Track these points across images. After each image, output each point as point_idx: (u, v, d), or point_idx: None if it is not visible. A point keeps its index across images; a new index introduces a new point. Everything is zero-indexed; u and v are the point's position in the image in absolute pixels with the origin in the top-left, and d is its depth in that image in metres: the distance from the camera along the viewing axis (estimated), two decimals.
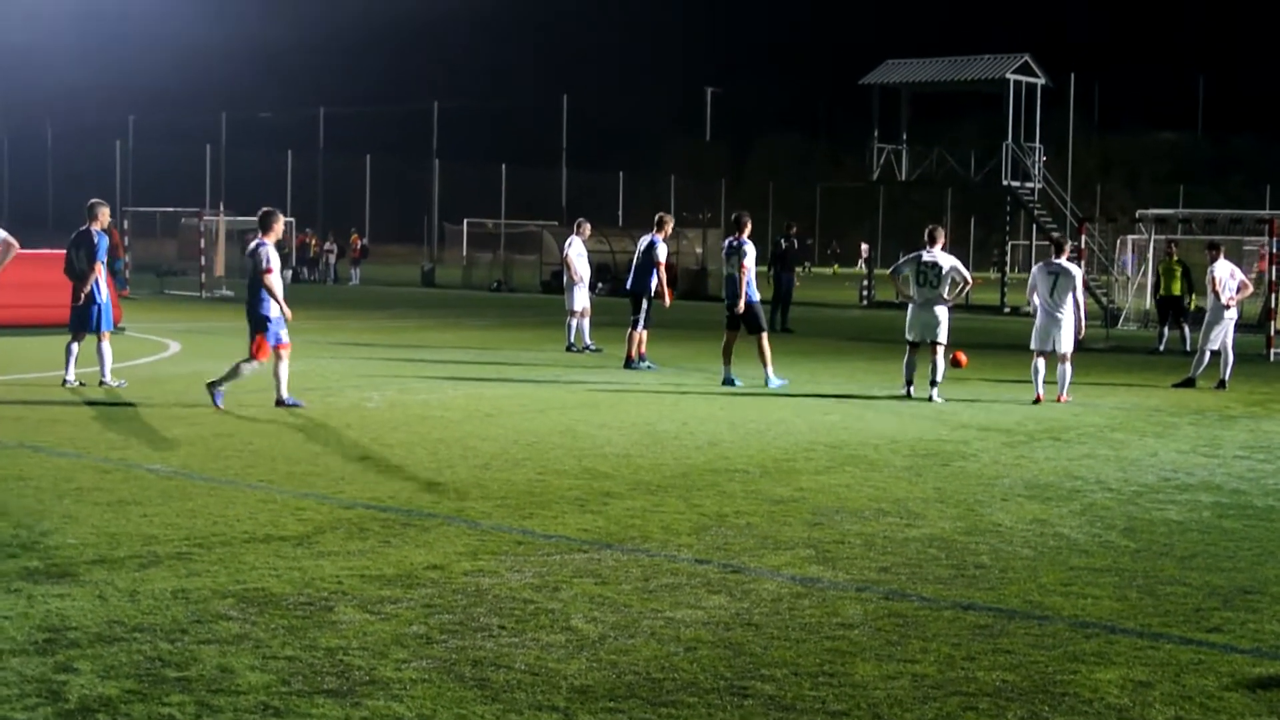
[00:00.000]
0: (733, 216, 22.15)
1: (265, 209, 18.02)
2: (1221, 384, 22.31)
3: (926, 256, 20.08)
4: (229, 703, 6.70)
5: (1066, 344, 19.98)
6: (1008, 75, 48.91)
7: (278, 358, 17.52)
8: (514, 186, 71.68)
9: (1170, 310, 31.49)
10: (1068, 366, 20.10)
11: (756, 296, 21.50)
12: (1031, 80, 49.70)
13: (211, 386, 17.38)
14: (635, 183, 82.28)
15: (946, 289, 20.03)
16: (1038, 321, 20.16)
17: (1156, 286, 32.37)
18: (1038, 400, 19.88)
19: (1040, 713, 6.84)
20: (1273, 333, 29.40)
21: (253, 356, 17.37)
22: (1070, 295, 19.98)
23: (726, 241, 21.93)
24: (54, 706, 6.59)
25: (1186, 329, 30.68)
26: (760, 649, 7.74)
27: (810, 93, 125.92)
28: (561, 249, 28.78)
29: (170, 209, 59.79)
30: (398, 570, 9.27)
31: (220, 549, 9.76)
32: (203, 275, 47.27)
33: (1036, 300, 20.33)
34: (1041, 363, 20.02)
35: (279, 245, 18.44)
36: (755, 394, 20.14)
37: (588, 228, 28.26)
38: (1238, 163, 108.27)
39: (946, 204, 56.17)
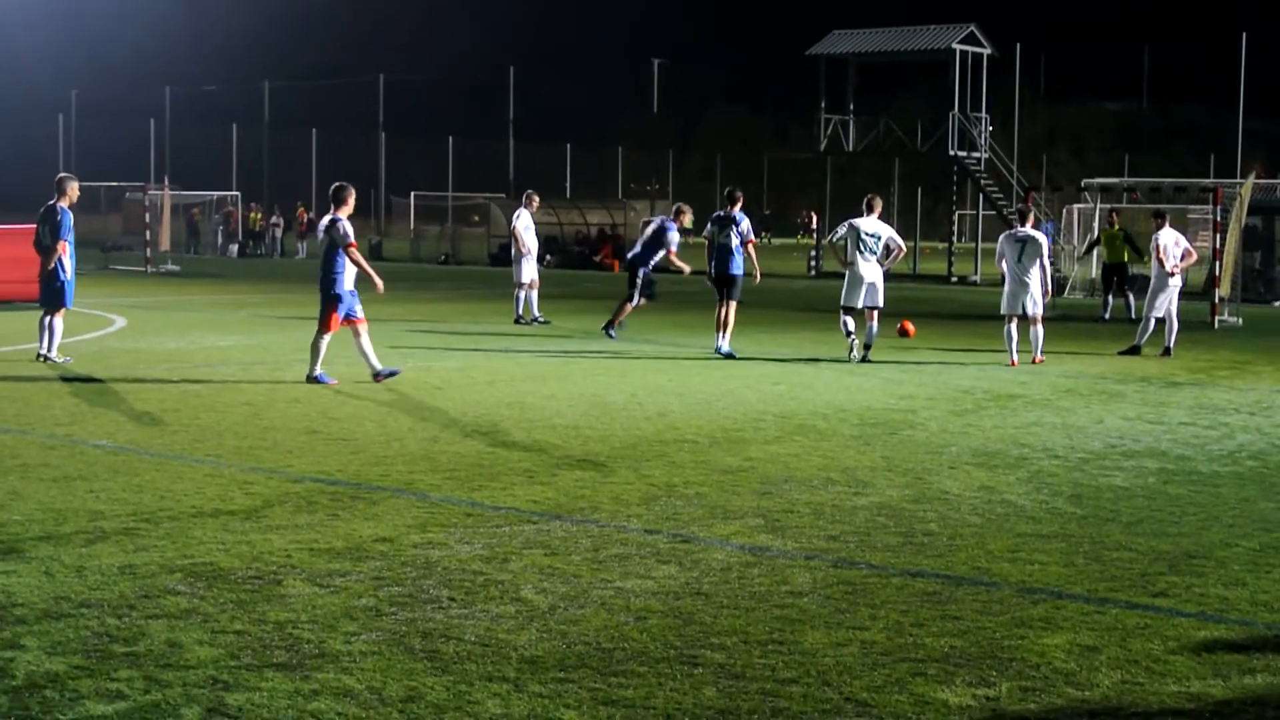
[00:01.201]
0: (725, 191, 22.78)
1: (338, 184, 17.72)
2: (1167, 351, 22.47)
3: (865, 225, 20.77)
4: (178, 677, 6.67)
5: (1037, 307, 20.80)
6: (954, 45, 48.99)
7: (356, 334, 17.40)
8: (461, 159, 71.51)
9: (1115, 277, 31.66)
10: (1039, 328, 20.97)
11: (741, 270, 21.86)
12: (977, 50, 49.80)
13: (311, 379, 17.32)
14: (583, 155, 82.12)
15: (883, 256, 20.86)
16: (1007, 288, 20.94)
17: (1095, 250, 32.55)
18: (1012, 364, 20.58)
19: (988, 678, 6.88)
20: (1217, 300, 29.63)
21: (325, 330, 17.32)
22: (1038, 261, 20.79)
23: (717, 214, 22.27)
24: (1, 684, 6.55)
25: (1130, 296, 30.85)
26: (710, 618, 7.76)
27: (757, 64, 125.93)
28: (509, 221, 28.71)
29: (114, 184, 59.31)
30: (346, 543, 9.25)
31: (168, 524, 9.71)
32: (147, 250, 46.89)
33: (1005, 267, 21.00)
34: (1014, 328, 20.77)
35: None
36: (703, 359, 20.16)
37: (536, 200, 28.25)
38: (1182, 132, 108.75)
39: (894, 174, 56.26)
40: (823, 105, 52.17)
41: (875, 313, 20.85)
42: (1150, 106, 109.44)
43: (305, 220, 63.26)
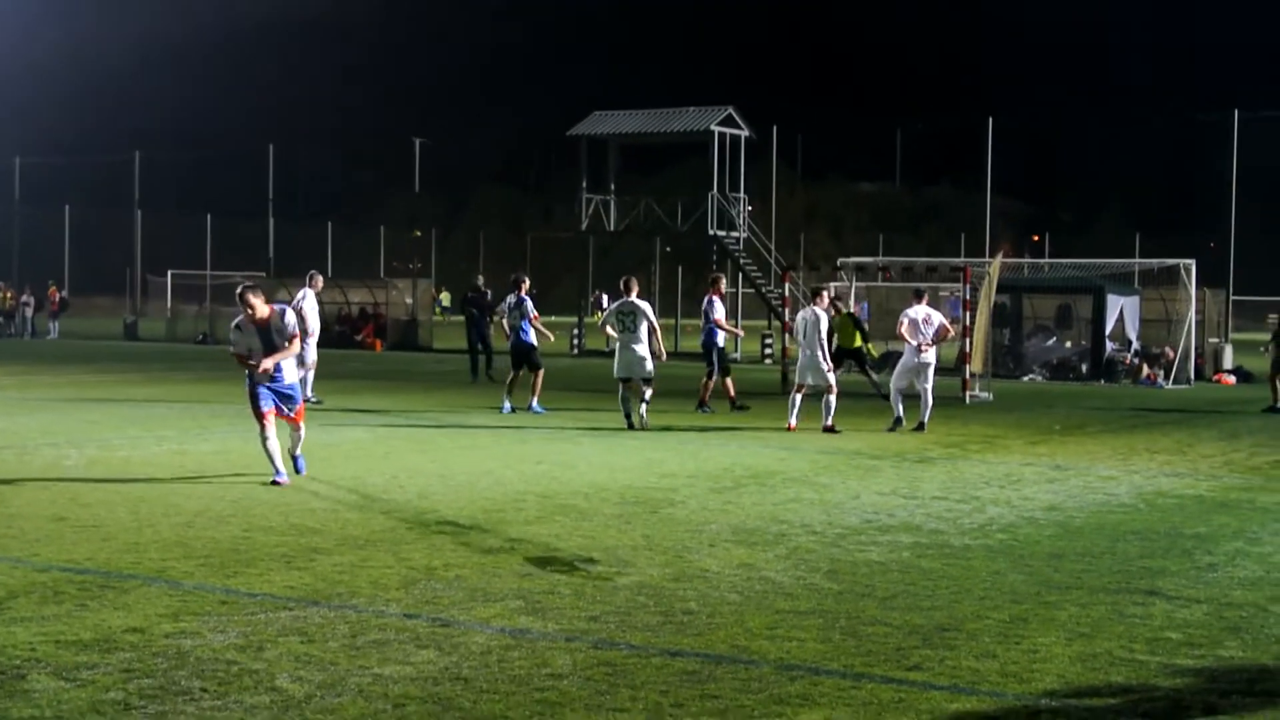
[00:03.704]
0: (512, 278, 26.07)
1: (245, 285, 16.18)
2: (920, 426, 22.92)
3: (625, 304, 22.79)
4: None
5: (829, 378, 22.62)
6: (712, 127, 49.80)
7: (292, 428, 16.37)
8: (220, 237, 70.44)
9: (847, 359, 30.59)
10: (833, 398, 22.57)
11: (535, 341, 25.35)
12: (735, 132, 50.69)
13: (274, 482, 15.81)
14: (344, 234, 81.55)
15: (644, 332, 22.72)
16: (800, 361, 22.97)
17: (832, 340, 32.25)
18: (790, 429, 22.40)
19: None
20: (968, 376, 30.38)
21: (259, 427, 15.98)
22: (819, 336, 22.61)
23: (511, 299, 25.48)
24: None
25: (873, 375, 30.67)
26: (469, 703, 7.69)
27: (520, 144, 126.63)
28: (293, 301, 28.17)
29: None
30: (95, 634, 8.97)
31: None
32: None
33: (800, 342, 22.93)
34: (799, 397, 22.83)
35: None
36: (466, 438, 20.07)
37: (320, 280, 28.08)
38: (934, 212, 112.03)
39: (655, 253, 56.78)
40: (584, 185, 52.57)
41: (646, 383, 22.67)
42: (903, 187, 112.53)
43: (57, 299, 61.74)
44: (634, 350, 22.67)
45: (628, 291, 23.05)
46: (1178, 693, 8.18)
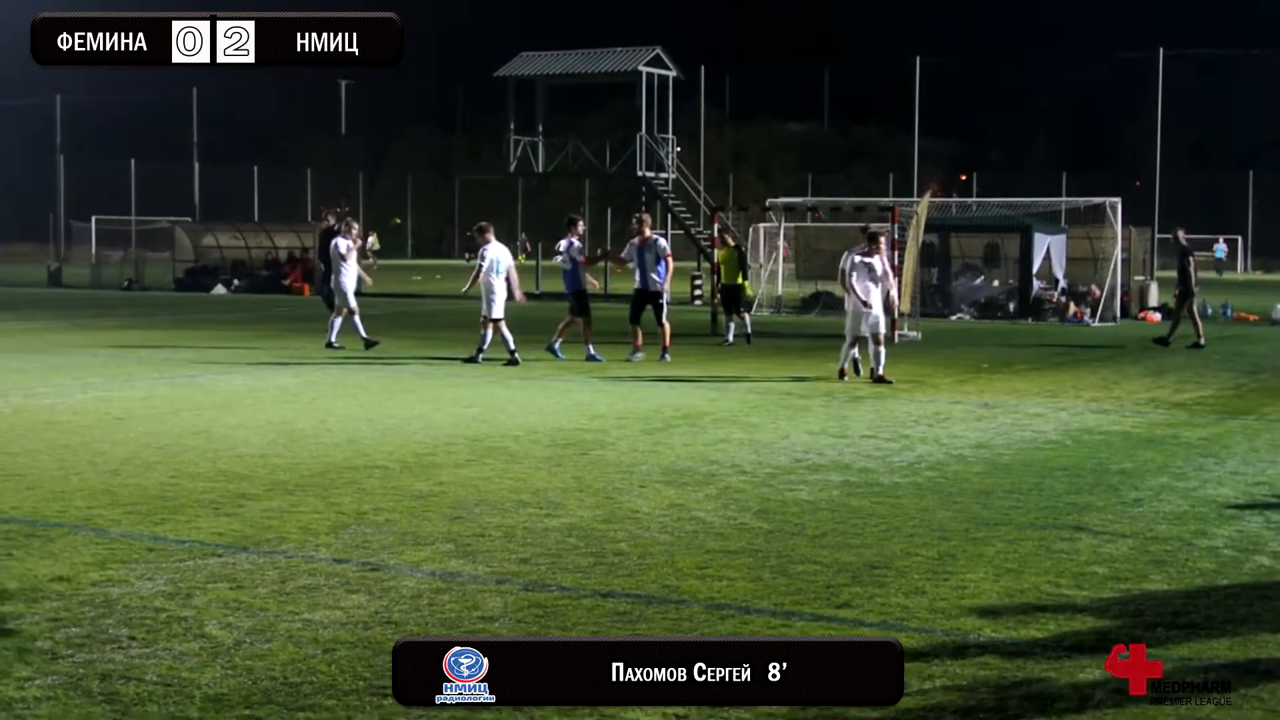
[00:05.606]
0: (567, 219, 25.76)
1: None
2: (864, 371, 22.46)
3: (500, 251, 23.93)
4: None
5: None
6: (640, 68, 49.55)
7: None
8: (144, 182, 69.73)
9: (730, 299, 29.88)
10: (883, 348, 21.40)
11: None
12: (663, 73, 50.49)
13: None
14: (270, 177, 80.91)
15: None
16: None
17: (718, 275, 31.67)
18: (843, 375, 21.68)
19: None
20: (897, 315, 30.45)
21: None
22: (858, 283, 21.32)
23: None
24: None
25: (748, 318, 29.93)
26: None
27: (447, 86, 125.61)
28: (327, 249, 28.04)
29: None
30: (21, 584, 8.90)
31: None
32: None
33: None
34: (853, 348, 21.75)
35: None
36: (396, 382, 19.99)
37: (356, 227, 28.09)
38: (862, 152, 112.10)
39: (585, 195, 56.64)
40: (512, 126, 52.26)
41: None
42: (831, 128, 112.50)
43: None
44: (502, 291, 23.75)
45: (485, 234, 24.03)
46: (1104, 626, 8.27)
